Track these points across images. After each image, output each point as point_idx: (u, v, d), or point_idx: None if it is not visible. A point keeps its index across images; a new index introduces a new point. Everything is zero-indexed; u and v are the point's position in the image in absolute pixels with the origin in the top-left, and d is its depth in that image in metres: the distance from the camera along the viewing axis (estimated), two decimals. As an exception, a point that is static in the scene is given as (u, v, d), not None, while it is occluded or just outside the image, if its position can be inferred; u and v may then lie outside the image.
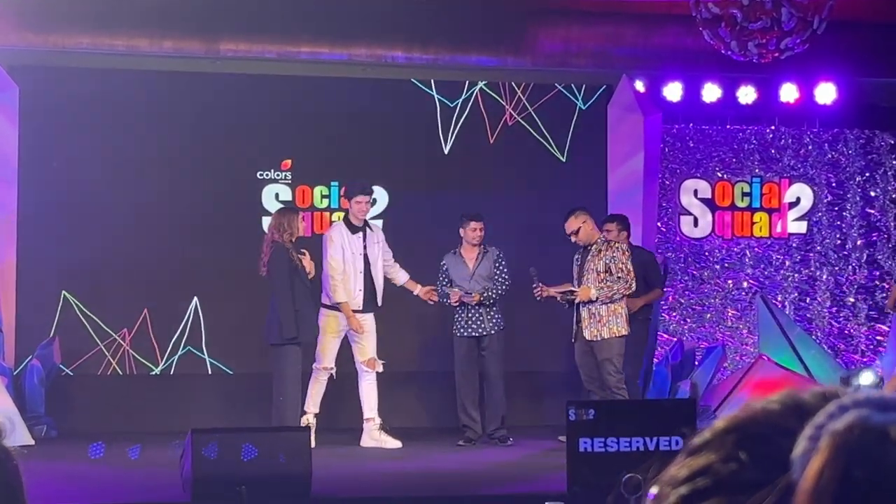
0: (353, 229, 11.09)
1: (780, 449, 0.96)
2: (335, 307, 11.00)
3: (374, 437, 11.06)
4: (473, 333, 11.28)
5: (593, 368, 10.90)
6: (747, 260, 13.92)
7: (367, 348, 11.12)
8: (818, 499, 0.92)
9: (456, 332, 11.36)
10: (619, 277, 10.83)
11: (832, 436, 0.94)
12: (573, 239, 11.03)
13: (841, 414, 0.96)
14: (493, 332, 11.30)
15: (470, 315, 11.28)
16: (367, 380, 11.14)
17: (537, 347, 12.81)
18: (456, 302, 11.24)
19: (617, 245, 10.99)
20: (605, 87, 13.22)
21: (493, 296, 11.30)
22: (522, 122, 13.16)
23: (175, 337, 12.42)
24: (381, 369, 11.16)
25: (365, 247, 11.09)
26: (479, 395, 11.45)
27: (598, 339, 10.80)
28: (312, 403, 11.03)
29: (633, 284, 10.91)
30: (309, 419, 10.86)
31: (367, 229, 11.23)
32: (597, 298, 10.79)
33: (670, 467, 1.02)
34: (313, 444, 8.87)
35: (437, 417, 12.49)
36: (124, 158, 12.32)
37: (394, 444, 11.04)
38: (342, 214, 12.71)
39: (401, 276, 11.37)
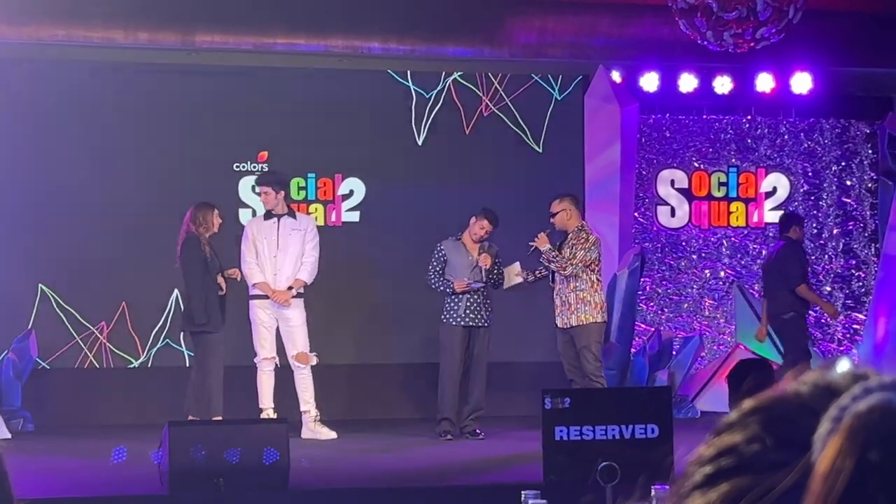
0: (268, 216, 11.20)
1: (805, 430, 0.96)
2: (258, 296, 11.06)
3: (310, 427, 11.07)
4: (470, 323, 11.18)
5: (575, 357, 10.89)
6: (724, 249, 13.96)
7: (296, 342, 11.11)
8: (832, 481, 0.92)
9: (451, 321, 11.14)
10: (574, 253, 10.82)
11: (852, 417, 0.94)
12: (551, 220, 11.03)
13: (865, 396, 0.95)
14: (485, 324, 11.21)
15: (469, 304, 11.17)
16: (299, 374, 11.12)
17: (512, 338, 12.83)
18: (461, 289, 11.15)
19: (585, 235, 10.96)
20: (581, 77, 13.23)
21: (493, 287, 11.23)
22: (498, 113, 13.16)
23: (154, 330, 12.39)
24: (314, 362, 11.13)
25: (278, 233, 11.12)
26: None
27: (568, 326, 10.81)
28: (266, 399, 11.03)
29: (570, 269, 10.81)
30: (269, 414, 10.87)
31: (286, 217, 11.21)
32: (543, 252, 10.83)
33: (699, 447, 1.03)
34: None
35: (413, 408, 12.50)
36: (100, 150, 12.29)
37: (328, 434, 11.04)
38: (319, 207, 12.77)
39: (298, 273, 11.19)
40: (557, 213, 11.00)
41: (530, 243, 10.94)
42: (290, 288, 11.07)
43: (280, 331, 11.12)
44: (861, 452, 0.92)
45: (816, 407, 0.98)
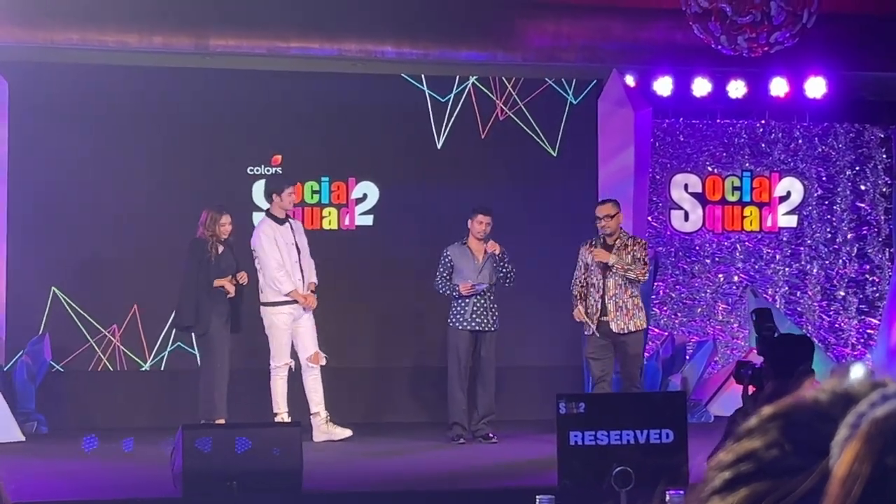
0: (279, 221, 11.20)
1: (823, 436, 0.98)
2: (282, 302, 11.05)
3: (323, 430, 11.07)
4: (476, 328, 11.18)
5: (609, 362, 10.83)
6: (738, 254, 13.94)
7: (308, 343, 11.13)
8: (850, 485, 0.93)
9: (458, 325, 11.15)
10: (639, 258, 10.77)
11: (869, 423, 0.95)
12: (601, 224, 10.84)
13: (883, 402, 0.97)
14: (492, 329, 11.21)
15: (475, 308, 11.16)
16: (311, 375, 11.13)
17: (527, 341, 12.83)
18: (467, 292, 11.15)
19: (641, 240, 11.06)
20: (595, 81, 13.22)
21: (505, 283, 11.22)
22: (513, 117, 13.16)
23: (164, 332, 12.40)
24: (324, 362, 11.16)
25: (295, 237, 11.17)
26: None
27: (626, 331, 10.71)
28: (282, 403, 11.03)
29: (646, 275, 10.91)
30: (284, 418, 10.86)
31: (290, 221, 11.31)
32: (613, 265, 10.73)
33: (718, 452, 1.04)
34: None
35: (426, 412, 12.49)
36: (114, 154, 12.31)
37: (343, 433, 11.06)
38: (332, 210, 12.76)
39: (312, 277, 11.27)
40: (614, 215, 10.91)
41: (592, 260, 10.82)
42: (312, 292, 11.14)
43: (292, 333, 11.15)
44: (879, 457, 0.94)
45: (834, 413, 0.99)
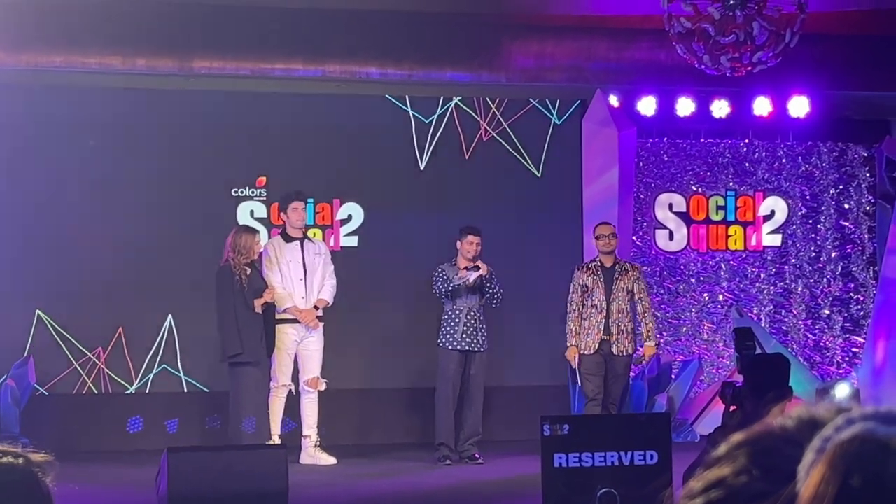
0: (289, 239, 11.20)
1: (790, 460, 1.00)
2: (285, 321, 11.04)
3: (310, 453, 11.08)
4: (467, 347, 11.18)
5: (601, 382, 11.01)
6: (723, 273, 13.95)
7: (312, 367, 11.13)
8: None
9: (448, 346, 11.17)
10: (640, 298, 11.21)
11: (834, 446, 0.98)
12: (605, 241, 11.21)
13: (847, 426, 1.00)
14: (482, 349, 11.22)
15: (466, 328, 11.15)
16: (308, 398, 11.18)
17: (513, 362, 12.82)
18: (465, 276, 11.03)
19: (638, 268, 11.45)
20: (579, 101, 13.25)
21: (495, 291, 11.24)
22: (497, 138, 13.17)
23: (150, 355, 12.37)
24: (323, 388, 11.16)
25: (303, 255, 11.13)
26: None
27: (623, 354, 11.14)
28: (274, 425, 10.99)
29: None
30: (275, 441, 10.82)
31: (307, 240, 11.30)
32: (650, 336, 11.41)
33: (690, 481, 1.06)
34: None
35: (413, 433, 12.47)
36: (98, 176, 12.29)
37: (328, 460, 11.07)
38: (318, 231, 12.74)
39: (321, 294, 11.26)
40: (616, 235, 11.34)
41: (642, 359, 11.19)
42: (315, 308, 11.10)
43: (297, 355, 11.12)
44: (843, 479, 0.96)
45: (801, 439, 1.02)
